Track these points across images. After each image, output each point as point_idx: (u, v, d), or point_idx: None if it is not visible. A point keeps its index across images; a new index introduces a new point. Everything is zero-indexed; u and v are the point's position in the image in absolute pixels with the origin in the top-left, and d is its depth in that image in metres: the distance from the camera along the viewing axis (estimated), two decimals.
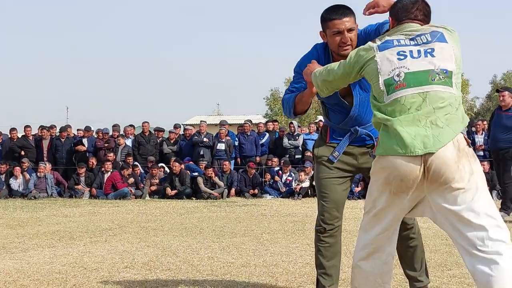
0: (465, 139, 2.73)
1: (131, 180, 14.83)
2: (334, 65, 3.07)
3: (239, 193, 14.99)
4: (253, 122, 18.02)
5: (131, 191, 14.45)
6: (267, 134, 16.59)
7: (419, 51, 2.86)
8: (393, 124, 2.75)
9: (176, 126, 17.25)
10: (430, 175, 2.71)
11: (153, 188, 14.89)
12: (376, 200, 2.84)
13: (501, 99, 8.79)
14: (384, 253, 2.88)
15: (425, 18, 3.05)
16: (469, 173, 2.69)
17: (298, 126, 17.85)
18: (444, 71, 2.83)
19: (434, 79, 2.81)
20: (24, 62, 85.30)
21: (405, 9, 3.03)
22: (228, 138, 15.97)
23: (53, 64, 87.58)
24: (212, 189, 14.35)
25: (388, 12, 3.20)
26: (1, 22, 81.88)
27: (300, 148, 15.88)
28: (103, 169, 14.91)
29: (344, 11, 3.40)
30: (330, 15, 3.39)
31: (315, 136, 16.15)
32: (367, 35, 3.41)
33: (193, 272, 5.06)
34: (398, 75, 2.83)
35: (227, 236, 7.50)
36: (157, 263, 5.54)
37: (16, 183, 14.52)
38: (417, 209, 2.88)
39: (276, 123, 18.45)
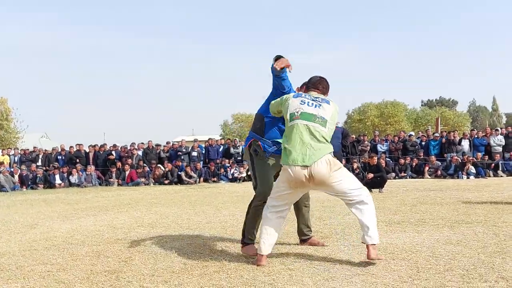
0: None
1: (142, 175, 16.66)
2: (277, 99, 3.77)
3: (205, 180, 16.89)
4: (214, 139, 19.98)
5: (142, 181, 16.51)
6: (222, 146, 18.91)
7: (313, 104, 3.59)
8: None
9: (168, 142, 19.20)
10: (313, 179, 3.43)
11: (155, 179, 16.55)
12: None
13: None
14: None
15: (324, 90, 3.81)
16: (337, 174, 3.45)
17: (239, 141, 20.10)
18: (322, 118, 3.56)
19: (315, 120, 3.53)
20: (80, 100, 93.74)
21: (313, 83, 3.82)
22: (198, 148, 18.08)
23: (95, 101, 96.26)
24: (189, 179, 16.33)
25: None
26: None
27: (241, 153, 17.82)
28: (125, 168, 16.99)
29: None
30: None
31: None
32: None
33: (178, 228, 5.60)
34: (297, 112, 3.56)
35: (198, 206, 8.24)
36: (157, 223, 6.07)
37: (73, 178, 16.69)
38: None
39: (228, 140, 20.57)
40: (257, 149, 3.87)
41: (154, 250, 4.36)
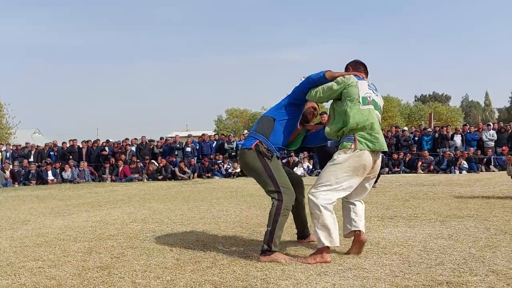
0: None
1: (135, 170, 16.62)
2: (330, 86, 3.57)
3: (199, 176, 16.90)
4: (208, 134, 19.74)
5: (135, 177, 16.45)
6: (215, 141, 18.87)
7: (375, 92, 3.62)
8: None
9: (161, 138, 19.18)
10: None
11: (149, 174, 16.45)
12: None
13: None
14: None
15: (367, 72, 3.76)
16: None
17: (233, 136, 20.47)
18: (381, 108, 3.66)
19: (380, 110, 3.64)
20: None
21: (364, 67, 3.76)
22: (192, 144, 18.08)
23: (88, 97, 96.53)
24: (183, 175, 16.30)
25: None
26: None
27: (235, 149, 18.00)
28: (118, 164, 16.93)
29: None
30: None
31: (243, 141, 20.22)
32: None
33: (171, 224, 5.59)
34: (369, 97, 3.50)
35: (191, 201, 8.20)
36: (149, 219, 6.06)
37: (66, 174, 16.74)
38: None
39: (222, 135, 20.43)
40: (266, 152, 3.69)
41: (147, 246, 4.35)
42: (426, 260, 3.42)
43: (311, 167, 16.74)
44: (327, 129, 3.63)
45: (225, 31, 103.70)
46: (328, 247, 3.36)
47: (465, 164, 15.33)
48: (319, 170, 13.90)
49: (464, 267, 3.18)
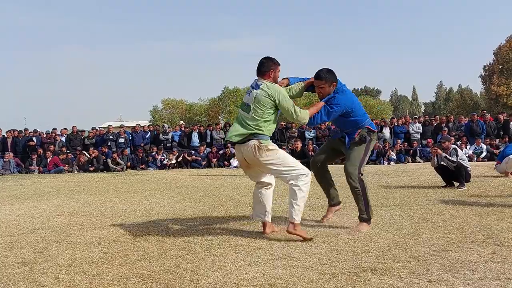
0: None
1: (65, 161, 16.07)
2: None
3: (133, 168, 16.59)
4: (142, 125, 19.68)
5: (65, 168, 15.97)
6: (149, 132, 18.53)
7: (249, 92, 4.06)
8: None
9: (93, 128, 18.64)
10: None
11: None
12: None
13: None
14: None
15: (263, 72, 3.97)
16: None
17: (169, 127, 19.94)
18: (247, 105, 4.02)
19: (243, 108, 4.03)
20: None
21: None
22: (125, 135, 17.66)
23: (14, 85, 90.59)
24: (116, 166, 16.04)
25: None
26: None
27: (170, 140, 17.89)
28: (47, 155, 16.27)
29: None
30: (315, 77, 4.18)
31: (179, 133, 18.09)
32: None
33: (100, 216, 5.44)
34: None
35: (123, 193, 8.05)
36: (78, 212, 5.90)
37: None
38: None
39: (157, 126, 20.35)
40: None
41: (73, 239, 4.18)
42: (353, 248, 3.52)
43: None
44: None
45: (162, 19, 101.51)
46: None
47: (393, 156, 16.01)
48: None
49: (388, 254, 3.31)
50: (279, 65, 3.99)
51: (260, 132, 3.82)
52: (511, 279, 2.68)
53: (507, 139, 16.12)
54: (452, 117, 18.89)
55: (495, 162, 10.21)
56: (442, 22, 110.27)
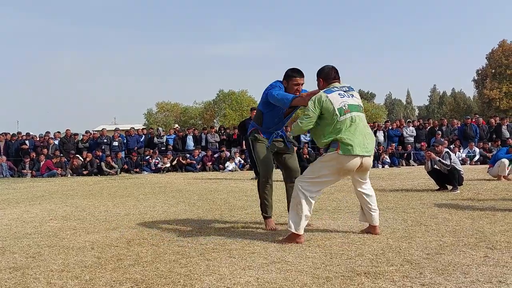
0: None
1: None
2: (308, 113, 3.76)
3: (127, 171, 16.52)
4: (136, 128, 19.33)
5: (58, 172, 15.89)
6: (144, 135, 18.48)
7: (350, 95, 3.83)
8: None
9: (87, 131, 18.49)
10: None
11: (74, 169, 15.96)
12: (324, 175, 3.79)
13: None
14: None
15: (338, 76, 3.95)
16: None
17: (163, 130, 20.00)
18: (361, 106, 3.88)
19: (360, 110, 3.83)
20: None
21: (333, 74, 3.95)
22: (119, 138, 17.58)
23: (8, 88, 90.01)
24: (110, 169, 15.99)
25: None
26: None
27: (165, 143, 17.90)
28: (40, 159, 16.11)
29: (301, 72, 4.24)
30: (293, 73, 4.25)
31: (173, 136, 18.12)
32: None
33: (94, 221, 5.40)
34: (344, 106, 3.73)
35: (117, 197, 8.00)
36: (71, 216, 5.83)
37: None
38: None
39: (151, 129, 20.04)
40: (257, 135, 4.45)
41: (66, 244, 4.15)
42: (347, 251, 3.53)
43: (242, 161, 16.72)
44: (316, 140, 3.98)
45: (156, 23, 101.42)
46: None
47: (387, 159, 16.06)
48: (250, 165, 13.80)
49: (382, 257, 3.31)
50: None
51: None
52: (502, 282, 2.69)
53: (499, 142, 16.14)
54: (445, 120, 18.99)
55: (488, 166, 10.26)
56: (436, 26, 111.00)
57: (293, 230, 3.79)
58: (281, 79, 4.33)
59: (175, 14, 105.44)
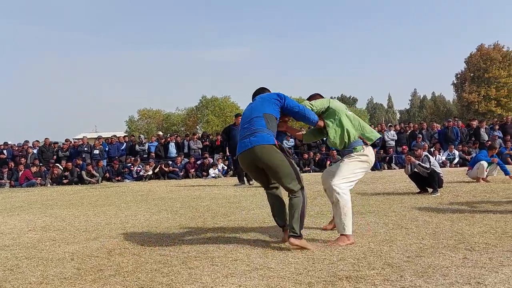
0: None
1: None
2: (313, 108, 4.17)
3: (109, 179, 16.48)
4: (117, 136, 19.17)
5: (38, 182, 15.72)
6: (125, 143, 18.40)
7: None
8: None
9: (67, 140, 18.41)
10: None
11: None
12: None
13: None
14: None
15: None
16: None
17: (145, 138, 19.94)
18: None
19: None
20: None
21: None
22: (101, 146, 17.45)
23: None
24: (91, 178, 15.83)
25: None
26: None
27: (147, 151, 17.89)
28: (18, 168, 15.95)
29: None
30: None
31: (155, 143, 18.29)
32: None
33: (74, 231, 5.35)
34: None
35: (98, 206, 7.93)
36: (51, 227, 5.76)
37: None
38: None
39: (132, 137, 19.97)
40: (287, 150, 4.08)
41: (45, 255, 4.08)
42: (329, 256, 3.55)
43: (226, 168, 16.68)
44: (332, 143, 4.21)
45: (137, 29, 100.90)
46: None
47: None
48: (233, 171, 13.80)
49: (363, 261, 3.34)
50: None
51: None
52: (481, 283, 2.73)
53: (478, 145, 16.41)
54: (425, 124, 19.22)
55: (467, 168, 10.40)
56: (416, 31, 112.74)
57: (347, 232, 3.92)
58: (264, 86, 4.34)
59: (156, 22, 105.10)
